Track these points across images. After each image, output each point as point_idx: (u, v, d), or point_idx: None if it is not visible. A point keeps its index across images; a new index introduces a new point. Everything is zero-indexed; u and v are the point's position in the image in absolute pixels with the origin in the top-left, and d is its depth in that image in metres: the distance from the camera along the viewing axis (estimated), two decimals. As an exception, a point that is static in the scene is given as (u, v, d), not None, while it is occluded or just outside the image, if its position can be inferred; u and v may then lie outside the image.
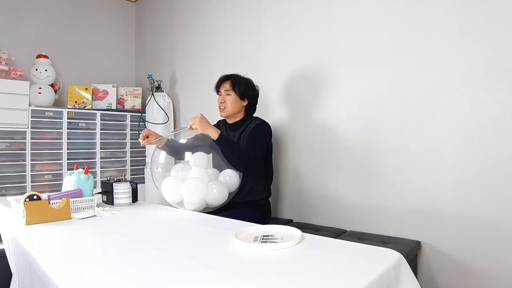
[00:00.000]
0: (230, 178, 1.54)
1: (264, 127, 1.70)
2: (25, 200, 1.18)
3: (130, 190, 1.59)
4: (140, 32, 3.34)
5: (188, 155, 1.61)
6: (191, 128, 1.52)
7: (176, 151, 1.67)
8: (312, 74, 1.88)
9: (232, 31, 2.34)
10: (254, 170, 1.60)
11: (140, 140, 1.63)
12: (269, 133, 1.71)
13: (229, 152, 1.51)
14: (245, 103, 1.76)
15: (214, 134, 1.49)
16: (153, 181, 1.58)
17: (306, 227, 1.75)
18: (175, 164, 1.64)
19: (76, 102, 2.69)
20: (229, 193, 1.51)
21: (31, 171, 2.37)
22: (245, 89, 1.73)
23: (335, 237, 1.41)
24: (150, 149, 2.73)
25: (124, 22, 3.35)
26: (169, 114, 2.75)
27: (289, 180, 2.00)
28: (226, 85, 1.73)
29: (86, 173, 1.51)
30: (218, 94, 1.78)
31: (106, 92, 2.83)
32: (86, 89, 2.74)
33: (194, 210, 1.44)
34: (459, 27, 1.38)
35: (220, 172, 1.57)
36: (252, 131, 1.65)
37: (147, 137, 1.62)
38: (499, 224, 1.29)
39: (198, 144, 1.59)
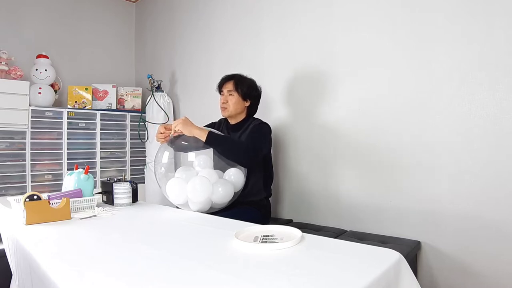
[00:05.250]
0: (235, 176, 1.51)
1: (263, 125, 1.67)
2: (25, 200, 1.18)
3: (130, 190, 1.59)
4: (140, 32, 3.34)
5: (192, 155, 1.59)
6: (175, 132, 1.45)
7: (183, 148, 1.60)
8: (312, 74, 1.88)
9: (232, 31, 2.34)
10: (254, 168, 1.59)
11: (159, 137, 1.50)
12: (269, 132, 1.68)
13: (224, 147, 1.46)
14: (247, 104, 1.73)
15: (202, 135, 1.42)
16: (156, 181, 1.55)
17: (306, 227, 1.75)
18: (175, 166, 1.63)
19: (76, 102, 2.69)
20: (234, 193, 1.49)
21: (31, 171, 2.38)
22: (248, 90, 1.71)
23: (335, 237, 1.41)
24: (150, 149, 2.74)
25: (124, 22, 3.35)
26: (169, 114, 2.75)
27: (289, 180, 2.00)
28: (229, 85, 1.70)
29: (86, 173, 1.51)
30: (220, 94, 1.75)
31: (106, 92, 2.83)
32: (86, 89, 2.74)
33: (197, 211, 1.41)
34: (459, 27, 1.37)
35: (224, 172, 1.54)
36: (252, 129, 1.64)
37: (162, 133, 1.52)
38: (499, 224, 1.29)
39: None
